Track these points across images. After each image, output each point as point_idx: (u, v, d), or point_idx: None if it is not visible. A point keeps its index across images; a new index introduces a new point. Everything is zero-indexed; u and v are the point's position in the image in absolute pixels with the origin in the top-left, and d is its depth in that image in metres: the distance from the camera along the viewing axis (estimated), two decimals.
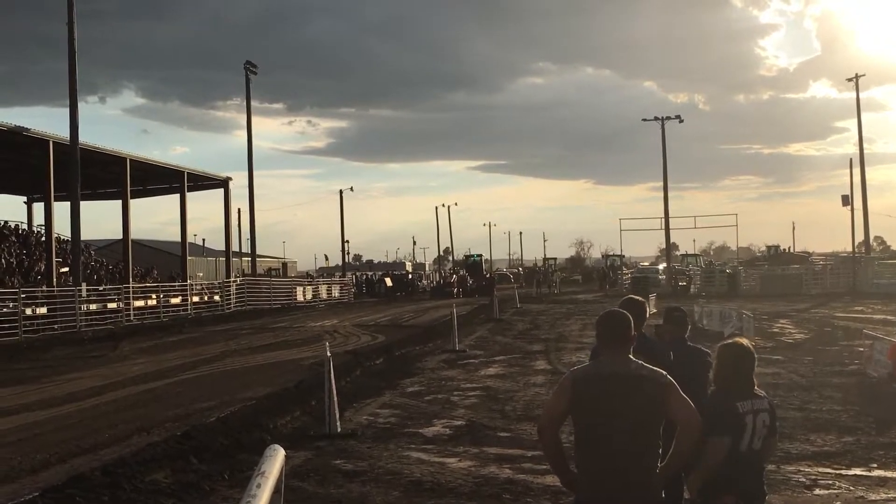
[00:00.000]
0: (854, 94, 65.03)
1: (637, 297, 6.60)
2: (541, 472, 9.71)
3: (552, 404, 5.06)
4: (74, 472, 9.90)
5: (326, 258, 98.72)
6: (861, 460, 10.34)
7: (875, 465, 10.11)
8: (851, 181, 61.07)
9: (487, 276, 79.24)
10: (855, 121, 64.70)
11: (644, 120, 70.22)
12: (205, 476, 10.05)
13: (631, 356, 4.88)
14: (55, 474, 10.07)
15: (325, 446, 11.71)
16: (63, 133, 38.18)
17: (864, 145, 64.77)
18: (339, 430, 12.43)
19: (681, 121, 69.64)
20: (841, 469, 9.92)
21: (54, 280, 38.36)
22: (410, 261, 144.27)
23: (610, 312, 5.10)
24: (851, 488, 9.13)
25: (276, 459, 3.46)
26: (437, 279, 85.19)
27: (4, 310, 33.01)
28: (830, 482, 9.33)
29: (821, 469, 9.78)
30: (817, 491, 8.88)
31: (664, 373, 4.84)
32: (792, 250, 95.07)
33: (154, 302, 43.54)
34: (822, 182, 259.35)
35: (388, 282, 73.59)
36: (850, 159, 62.82)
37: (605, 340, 4.95)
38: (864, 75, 66.69)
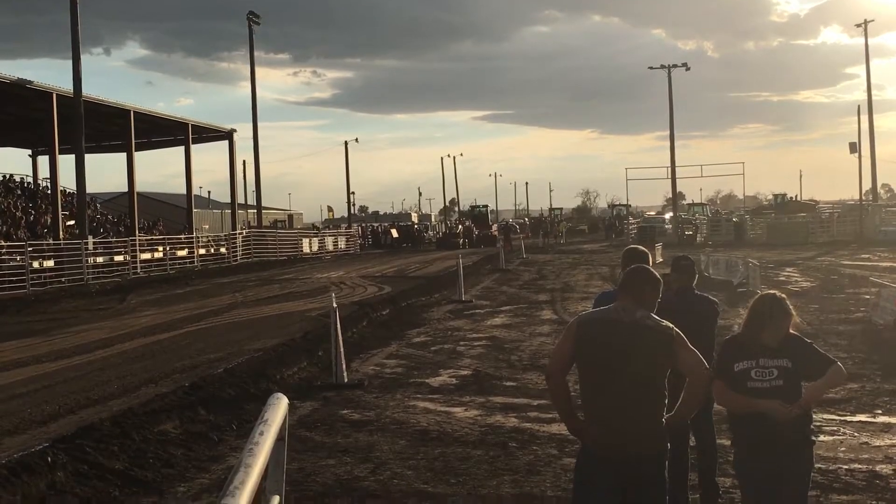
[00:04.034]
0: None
1: (641, 248, 6.55)
2: (547, 420, 9.77)
3: (559, 348, 5.11)
4: (84, 422, 9.96)
5: (330, 210, 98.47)
6: (866, 407, 10.39)
7: (880, 412, 10.16)
8: (859, 128, 60.60)
9: (504, 224, 78.80)
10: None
11: (650, 68, 69.66)
12: (213, 426, 10.14)
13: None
14: (65, 425, 10.15)
15: (332, 396, 11.78)
16: (67, 85, 38.02)
17: (874, 92, 64.50)
18: (345, 380, 12.49)
19: (687, 69, 69.04)
20: (846, 415, 9.97)
21: (61, 233, 38.40)
22: (416, 212, 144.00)
23: (644, 270, 5.12)
24: (856, 434, 9.18)
25: (279, 408, 3.47)
26: (443, 230, 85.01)
27: (12, 263, 33.10)
28: (835, 428, 9.38)
29: (825, 416, 9.81)
30: (822, 437, 8.90)
31: (670, 325, 4.83)
32: (799, 198, 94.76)
33: (160, 254, 43.61)
34: (830, 129, 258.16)
35: (394, 233, 73.44)
36: (859, 106, 62.38)
37: (624, 289, 4.99)
38: (873, 20, 65.81)
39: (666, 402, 4.83)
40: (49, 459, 8.09)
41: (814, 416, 5.47)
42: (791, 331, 5.22)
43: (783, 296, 5.28)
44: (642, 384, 4.74)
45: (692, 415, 5.19)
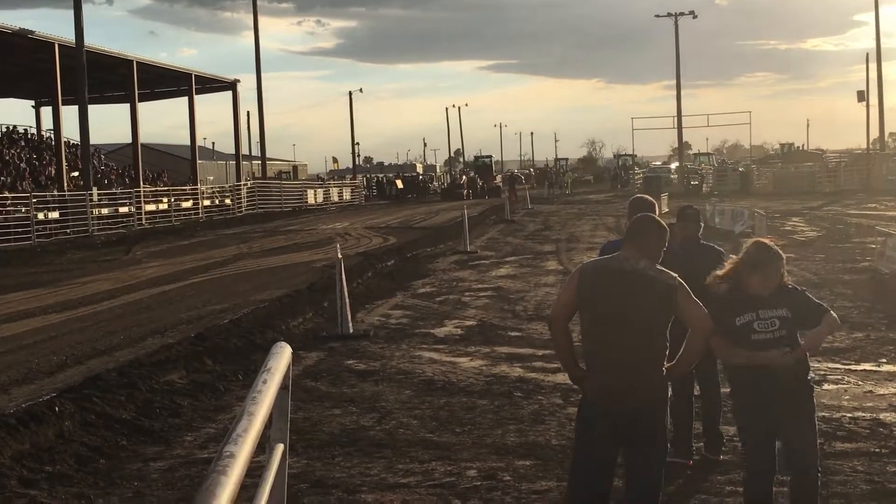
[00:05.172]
0: None
1: (647, 197, 6.48)
2: (551, 370, 9.79)
3: (562, 295, 5.13)
4: (91, 373, 10.03)
5: (336, 161, 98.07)
6: (870, 356, 10.40)
7: (884, 360, 10.17)
8: (867, 76, 60.16)
9: (508, 175, 78.42)
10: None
11: (657, 16, 68.91)
12: (219, 376, 10.19)
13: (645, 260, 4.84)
14: (72, 375, 10.21)
15: (338, 347, 11.82)
16: (69, 35, 37.69)
17: (882, 39, 63.76)
18: (351, 330, 12.52)
19: (694, 17, 68.21)
20: (850, 364, 9.97)
21: (65, 184, 38.38)
22: (421, 163, 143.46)
23: (649, 219, 5.06)
24: (860, 383, 9.19)
25: (282, 356, 3.46)
26: (448, 181, 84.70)
27: (17, 214, 33.13)
28: (840, 377, 9.39)
29: (830, 365, 9.82)
30: (826, 386, 8.93)
31: (674, 275, 4.79)
32: (806, 148, 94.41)
33: (165, 206, 43.60)
34: (838, 78, 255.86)
35: (399, 184, 73.22)
36: (867, 54, 61.79)
37: (630, 238, 4.96)
38: None
39: (667, 352, 4.82)
40: (57, 409, 8.14)
41: (817, 365, 5.47)
42: (786, 280, 5.19)
43: (772, 243, 5.23)
44: (644, 334, 4.73)
45: (693, 365, 5.18)
